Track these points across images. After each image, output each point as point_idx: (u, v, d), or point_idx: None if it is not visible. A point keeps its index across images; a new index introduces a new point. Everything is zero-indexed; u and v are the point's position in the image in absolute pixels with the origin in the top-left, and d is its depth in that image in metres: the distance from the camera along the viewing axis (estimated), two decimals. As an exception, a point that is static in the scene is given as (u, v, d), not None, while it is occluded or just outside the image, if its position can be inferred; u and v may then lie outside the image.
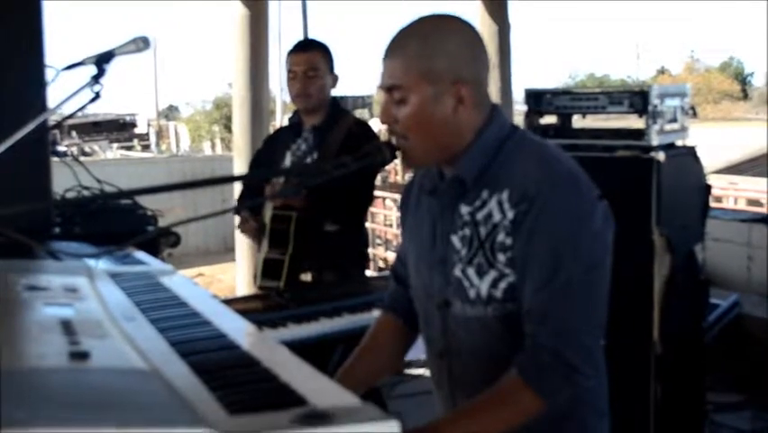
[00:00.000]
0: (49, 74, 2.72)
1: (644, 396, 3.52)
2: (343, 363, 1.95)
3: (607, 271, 1.68)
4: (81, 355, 1.13)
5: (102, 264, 2.01)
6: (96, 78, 2.05)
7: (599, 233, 1.66)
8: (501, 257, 1.66)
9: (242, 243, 7.83)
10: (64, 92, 2.10)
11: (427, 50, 1.65)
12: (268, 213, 3.46)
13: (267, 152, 3.78)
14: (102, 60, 2.08)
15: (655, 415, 3.52)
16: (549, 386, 1.59)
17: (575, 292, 1.61)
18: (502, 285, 1.67)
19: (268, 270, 3.45)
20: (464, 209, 1.73)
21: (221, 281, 9.47)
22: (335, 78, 3.55)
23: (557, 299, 1.60)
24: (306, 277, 3.46)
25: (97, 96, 2.05)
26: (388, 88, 1.68)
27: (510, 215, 1.64)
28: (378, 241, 10.22)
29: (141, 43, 2.13)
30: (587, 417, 1.80)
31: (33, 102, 2.61)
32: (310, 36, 8.65)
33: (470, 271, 1.70)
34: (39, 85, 2.72)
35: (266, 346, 1.36)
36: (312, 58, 3.47)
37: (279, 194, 3.36)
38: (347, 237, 3.50)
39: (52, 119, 2.62)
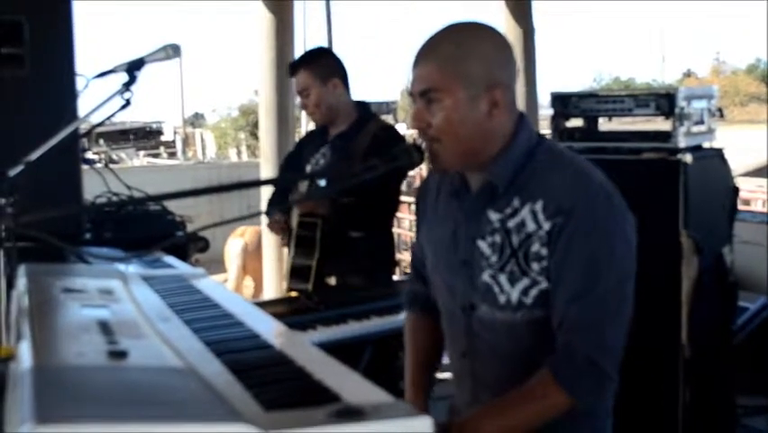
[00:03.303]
0: (79, 82, 2.77)
1: (673, 399, 3.50)
2: (405, 379, 2.00)
3: (633, 280, 1.71)
4: (119, 354, 1.15)
5: (133, 269, 2.05)
6: (126, 86, 2.08)
7: (631, 244, 1.69)
8: (535, 266, 1.68)
9: (269, 249, 7.86)
10: (93, 100, 2.14)
11: (462, 54, 1.67)
12: (294, 219, 3.48)
13: (297, 155, 3.80)
14: (132, 68, 2.10)
15: (684, 418, 3.51)
16: (582, 388, 1.64)
17: (610, 302, 1.65)
18: (533, 292, 1.69)
19: (295, 275, 3.47)
20: (493, 216, 1.74)
21: (247, 287, 9.49)
22: (337, 83, 3.47)
23: (593, 309, 1.64)
24: (331, 281, 3.48)
25: (128, 103, 2.08)
26: (421, 92, 1.70)
27: (546, 226, 1.66)
28: (403, 246, 10.21)
29: (171, 51, 2.16)
30: (599, 414, 1.82)
31: (65, 110, 2.65)
32: (334, 42, 8.73)
33: (502, 278, 1.72)
34: (70, 93, 2.77)
35: (299, 346, 1.38)
36: (299, 79, 3.46)
37: (305, 197, 3.38)
38: (373, 242, 3.50)
39: (83, 127, 2.65)
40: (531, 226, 1.68)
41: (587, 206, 1.64)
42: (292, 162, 3.84)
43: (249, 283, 9.14)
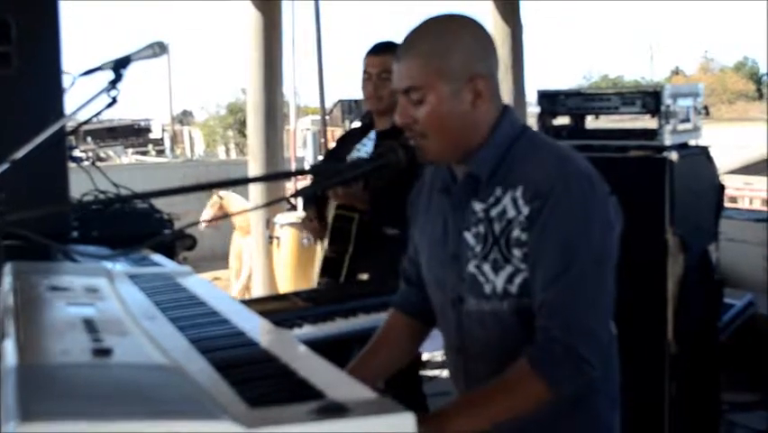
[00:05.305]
0: (66, 80, 2.76)
1: (658, 395, 3.52)
2: (353, 359, 1.98)
3: (614, 264, 1.71)
4: (104, 352, 1.16)
5: (120, 266, 2.05)
6: (113, 84, 2.08)
7: (610, 227, 1.70)
8: (517, 252, 1.69)
9: (258, 247, 7.86)
10: (80, 97, 2.14)
11: (442, 48, 1.69)
12: (331, 212, 3.50)
13: (337, 150, 3.82)
14: (119, 66, 2.11)
15: (670, 414, 3.53)
16: (560, 376, 1.62)
17: (586, 285, 1.64)
18: (518, 280, 1.70)
19: (327, 268, 3.49)
20: (478, 206, 1.76)
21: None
22: None
23: (569, 293, 1.63)
24: (364, 277, 3.48)
25: (114, 101, 2.08)
26: (405, 90, 1.71)
27: (525, 211, 1.68)
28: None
29: (158, 48, 2.16)
30: (599, 406, 1.83)
31: (51, 108, 2.64)
32: (322, 41, 8.71)
33: (486, 267, 1.73)
34: (57, 91, 2.76)
35: (284, 343, 1.39)
36: (386, 60, 3.43)
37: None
38: (407, 241, 3.50)
39: (69, 125, 2.65)
40: (511, 213, 1.70)
41: (564, 188, 1.65)
42: (331, 159, 3.85)
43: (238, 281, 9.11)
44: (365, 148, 3.57)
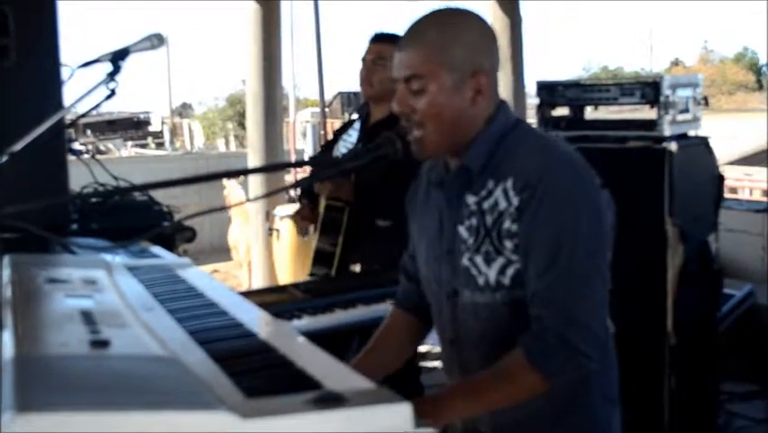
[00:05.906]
0: (64, 72, 2.76)
1: (658, 386, 3.53)
2: (355, 357, 1.98)
3: (607, 254, 1.70)
4: (101, 343, 1.16)
5: (119, 259, 2.05)
6: (111, 76, 2.08)
7: (602, 217, 1.69)
8: (508, 244, 1.69)
9: (258, 239, 7.86)
10: (79, 89, 2.13)
11: (446, 40, 1.68)
12: (322, 203, 3.50)
13: (334, 142, 3.82)
14: (117, 58, 2.10)
15: (670, 404, 3.54)
16: (553, 367, 1.62)
17: (579, 275, 1.63)
18: (510, 272, 1.70)
19: (318, 259, 3.49)
20: (471, 199, 1.76)
21: (236, 278, 9.48)
22: None
23: (561, 283, 1.62)
24: (356, 268, 3.48)
25: (113, 93, 2.07)
26: (406, 78, 1.71)
27: (515, 202, 1.67)
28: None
29: (156, 40, 2.16)
30: (596, 404, 1.82)
31: (50, 100, 2.64)
32: (322, 32, 8.71)
33: (478, 259, 1.73)
34: (55, 83, 2.75)
35: (282, 334, 1.39)
36: (382, 49, 3.43)
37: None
38: (399, 234, 3.49)
39: (68, 117, 2.65)
40: (503, 204, 1.70)
41: (553, 179, 1.65)
42: (329, 151, 3.87)
43: (238, 273, 9.12)
44: (350, 138, 3.57)
